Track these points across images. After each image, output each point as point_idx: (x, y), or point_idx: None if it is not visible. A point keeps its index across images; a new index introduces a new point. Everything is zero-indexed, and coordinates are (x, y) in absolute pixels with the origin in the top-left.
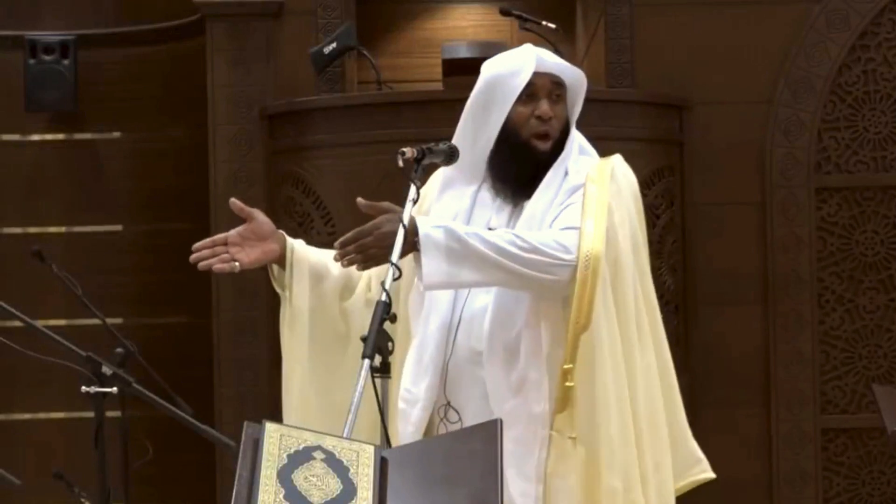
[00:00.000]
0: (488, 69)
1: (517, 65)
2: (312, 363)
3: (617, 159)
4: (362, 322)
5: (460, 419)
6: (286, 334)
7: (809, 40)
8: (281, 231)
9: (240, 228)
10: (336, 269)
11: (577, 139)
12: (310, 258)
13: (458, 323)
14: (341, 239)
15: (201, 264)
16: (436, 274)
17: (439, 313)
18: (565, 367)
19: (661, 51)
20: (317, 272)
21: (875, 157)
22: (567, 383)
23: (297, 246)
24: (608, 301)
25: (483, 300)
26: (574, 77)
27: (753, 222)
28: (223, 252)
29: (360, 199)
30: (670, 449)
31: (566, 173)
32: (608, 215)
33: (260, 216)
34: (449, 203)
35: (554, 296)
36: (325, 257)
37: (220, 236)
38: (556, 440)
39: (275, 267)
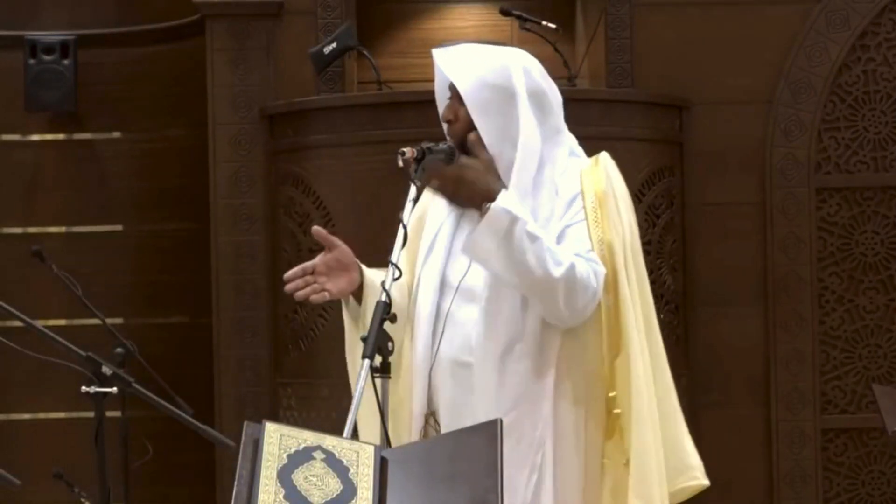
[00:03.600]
0: None
1: None
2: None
3: (607, 162)
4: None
5: (440, 428)
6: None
7: (809, 40)
8: (357, 260)
9: (324, 258)
10: (397, 295)
11: (566, 142)
12: (376, 288)
13: (442, 332)
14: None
15: (298, 294)
16: (475, 248)
17: (424, 323)
18: (610, 394)
19: (661, 51)
20: None
21: (875, 157)
22: (615, 410)
23: (368, 277)
24: (631, 322)
25: (467, 311)
26: (458, 80)
27: (753, 222)
28: (313, 281)
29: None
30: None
31: (544, 181)
32: (614, 231)
33: (342, 245)
34: (437, 212)
35: (566, 324)
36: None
37: (308, 265)
38: (608, 468)
39: (350, 297)
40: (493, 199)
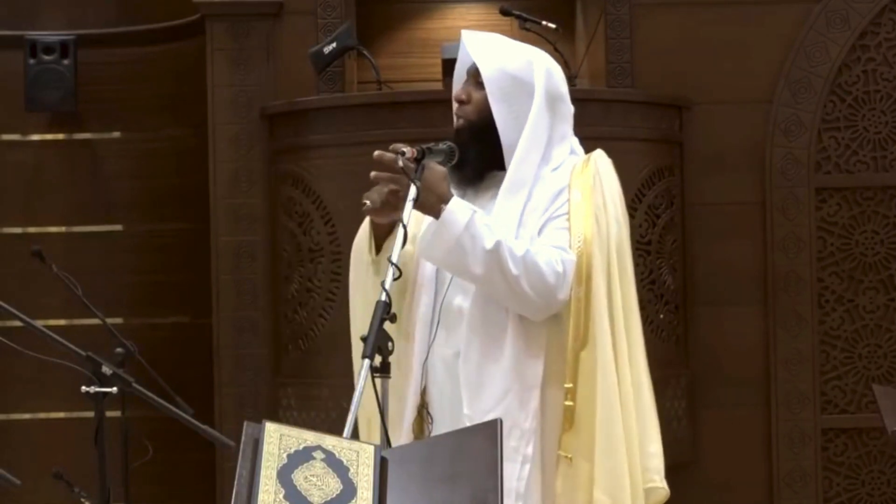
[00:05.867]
0: None
1: None
2: None
3: (598, 159)
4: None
5: (433, 420)
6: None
7: (809, 40)
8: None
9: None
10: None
11: (568, 145)
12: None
13: (437, 324)
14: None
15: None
16: (429, 250)
17: (422, 313)
18: (566, 385)
19: (661, 51)
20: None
21: (875, 157)
22: (567, 402)
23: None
24: (603, 316)
25: (459, 302)
26: (483, 64)
27: (753, 222)
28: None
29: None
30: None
31: (541, 177)
32: (595, 225)
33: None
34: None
35: (538, 316)
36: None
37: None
38: (562, 460)
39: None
40: (446, 202)
